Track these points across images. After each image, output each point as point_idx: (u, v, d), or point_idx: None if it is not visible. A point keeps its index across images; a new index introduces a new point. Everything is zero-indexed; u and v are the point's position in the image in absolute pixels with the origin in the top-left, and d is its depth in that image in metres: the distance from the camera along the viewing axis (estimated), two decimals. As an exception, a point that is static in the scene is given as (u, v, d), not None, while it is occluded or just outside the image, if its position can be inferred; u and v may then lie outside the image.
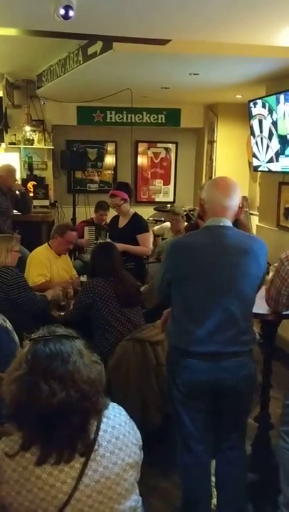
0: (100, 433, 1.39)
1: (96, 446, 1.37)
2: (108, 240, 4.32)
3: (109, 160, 8.01)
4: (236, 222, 2.38)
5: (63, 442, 1.33)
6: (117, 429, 1.43)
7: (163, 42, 3.23)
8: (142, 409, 2.92)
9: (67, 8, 2.31)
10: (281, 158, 4.74)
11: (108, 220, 5.74)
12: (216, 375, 2.17)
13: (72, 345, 1.40)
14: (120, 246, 3.96)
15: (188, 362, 2.17)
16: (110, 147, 7.97)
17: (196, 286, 2.14)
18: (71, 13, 2.32)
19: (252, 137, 5.43)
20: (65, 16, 2.34)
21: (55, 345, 1.37)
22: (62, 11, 2.33)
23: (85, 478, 1.34)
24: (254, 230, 5.73)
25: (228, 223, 2.19)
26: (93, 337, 3.18)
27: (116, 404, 1.52)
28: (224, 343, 2.14)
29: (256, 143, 5.32)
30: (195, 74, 4.76)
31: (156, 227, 6.44)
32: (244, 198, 6.47)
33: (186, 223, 6.06)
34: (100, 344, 3.09)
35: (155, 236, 6.36)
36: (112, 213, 4.86)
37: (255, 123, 5.26)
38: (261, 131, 5.13)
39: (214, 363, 2.15)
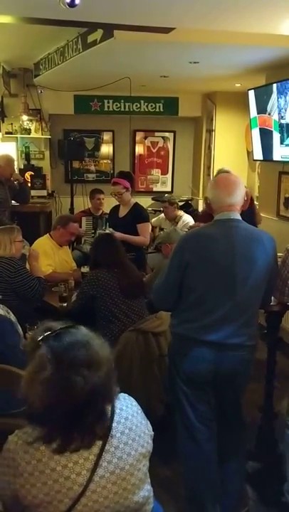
0: (114, 424, 1.40)
1: (110, 438, 1.38)
2: (109, 230, 4.32)
3: (106, 149, 7.97)
4: (251, 212, 2.42)
5: (85, 429, 1.34)
6: (130, 420, 1.44)
7: (166, 30, 3.20)
8: (145, 399, 2.93)
9: (73, -5, 2.28)
10: (281, 147, 4.73)
11: (106, 206, 5.78)
12: (218, 366, 2.21)
13: (82, 332, 1.41)
14: (119, 235, 3.99)
15: (192, 351, 2.22)
16: (106, 136, 7.91)
17: (209, 275, 2.17)
18: (77, 0, 2.29)
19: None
20: (71, 4, 2.30)
21: (68, 337, 1.37)
22: (68, -1, 2.30)
23: (99, 470, 1.35)
24: (253, 220, 5.73)
25: (238, 216, 2.24)
26: (95, 328, 3.17)
27: (126, 394, 1.53)
28: (230, 333, 2.18)
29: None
30: (195, 62, 4.73)
31: (153, 220, 6.45)
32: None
33: (179, 211, 6.13)
34: (104, 335, 3.02)
35: (153, 228, 6.38)
36: (110, 202, 4.84)
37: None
38: (261, 121, 5.11)
39: (218, 352, 2.19)
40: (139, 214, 4.39)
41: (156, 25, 3.07)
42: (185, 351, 2.24)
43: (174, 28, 3.22)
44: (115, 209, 4.59)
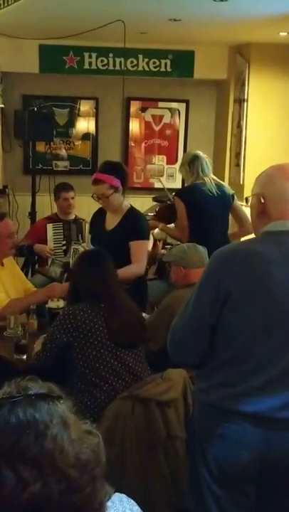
0: None
1: None
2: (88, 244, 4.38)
3: (84, 125, 8.13)
4: None
5: None
6: (130, 535, 1.46)
7: None
8: (144, 502, 2.91)
9: None
10: None
11: (84, 209, 6.00)
12: (266, 452, 2.22)
13: (52, 411, 1.37)
14: None
15: (228, 428, 2.23)
16: (86, 106, 8.08)
17: (260, 315, 2.20)
18: None
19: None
20: None
21: (25, 411, 1.33)
22: None
23: None
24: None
25: None
26: (71, 393, 3.17)
27: (124, 495, 1.55)
28: (286, 402, 2.20)
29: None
30: (221, 0, 4.79)
31: (155, 231, 6.51)
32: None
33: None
34: (83, 404, 3.09)
35: (155, 241, 6.44)
36: (90, 203, 4.82)
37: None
38: None
39: (266, 431, 2.21)
40: (134, 226, 4.35)
41: None
42: (219, 430, 2.24)
43: None
44: (99, 217, 4.56)
